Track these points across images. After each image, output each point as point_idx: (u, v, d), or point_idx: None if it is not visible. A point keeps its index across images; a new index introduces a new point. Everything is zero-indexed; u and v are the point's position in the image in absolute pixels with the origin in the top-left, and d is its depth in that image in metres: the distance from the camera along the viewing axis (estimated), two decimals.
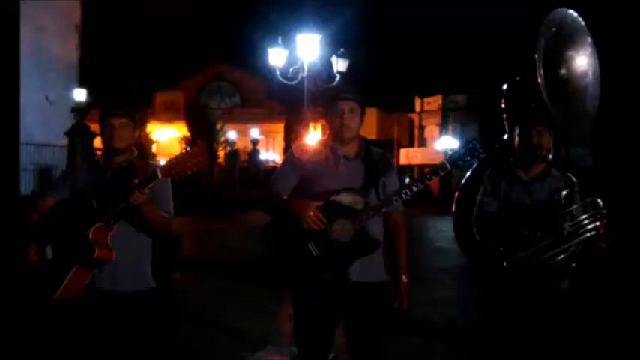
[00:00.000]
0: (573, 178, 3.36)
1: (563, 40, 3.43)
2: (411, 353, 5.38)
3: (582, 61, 3.49)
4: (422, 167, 42.03)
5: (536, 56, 3.21)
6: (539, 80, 3.18)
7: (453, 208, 3.54)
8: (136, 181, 3.08)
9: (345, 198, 3.12)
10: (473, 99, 40.44)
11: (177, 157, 3.09)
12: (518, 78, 3.54)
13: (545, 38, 3.29)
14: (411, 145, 46.71)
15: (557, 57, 3.40)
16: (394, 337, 3.46)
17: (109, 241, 3.18)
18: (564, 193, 3.33)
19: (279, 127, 43.62)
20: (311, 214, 3.09)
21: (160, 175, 3.08)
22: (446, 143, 38.77)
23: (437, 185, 33.95)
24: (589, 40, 3.50)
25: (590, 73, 3.50)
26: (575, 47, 3.48)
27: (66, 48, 23.98)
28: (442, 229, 17.64)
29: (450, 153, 3.18)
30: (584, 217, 3.31)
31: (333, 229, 3.11)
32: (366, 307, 3.25)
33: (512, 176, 3.50)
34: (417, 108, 45.79)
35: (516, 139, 3.48)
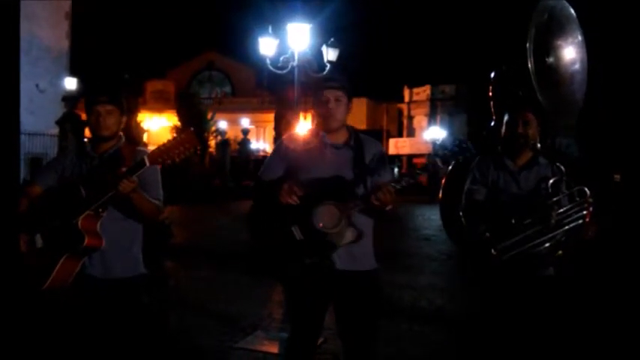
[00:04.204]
0: (561, 167, 3.39)
1: (553, 29, 3.44)
2: (398, 337, 5.42)
3: (570, 49, 3.51)
4: (410, 157, 42.12)
5: (528, 44, 3.23)
6: (530, 66, 3.19)
7: (440, 195, 3.55)
8: (124, 168, 3.06)
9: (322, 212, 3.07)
10: (461, 89, 40.63)
11: (165, 143, 3.05)
12: (506, 66, 3.56)
13: (536, 26, 3.30)
14: (399, 134, 46.66)
15: (545, 45, 3.42)
16: (382, 321, 3.46)
17: (99, 229, 3.17)
18: (551, 181, 3.36)
19: (270, 117, 43.23)
20: (285, 186, 3.06)
21: (147, 163, 3.05)
22: (434, 133, 38.84)
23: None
24: (578, 29, 3.52)
25: (577, 61, 3.52)
26: (563, 36, 3.49)
27: (56, 36, 23.86)
28: (430, 218, 17.69)
29: (441, 151, 3.05)
30: (570, 205, 3.34)
31: (318, 214, 3.08)
32: (356, 297, 3.22)
33: (499, 165, 3.52)
34: (406, 98, 45.76)
35: (503, 127, 3.50)
